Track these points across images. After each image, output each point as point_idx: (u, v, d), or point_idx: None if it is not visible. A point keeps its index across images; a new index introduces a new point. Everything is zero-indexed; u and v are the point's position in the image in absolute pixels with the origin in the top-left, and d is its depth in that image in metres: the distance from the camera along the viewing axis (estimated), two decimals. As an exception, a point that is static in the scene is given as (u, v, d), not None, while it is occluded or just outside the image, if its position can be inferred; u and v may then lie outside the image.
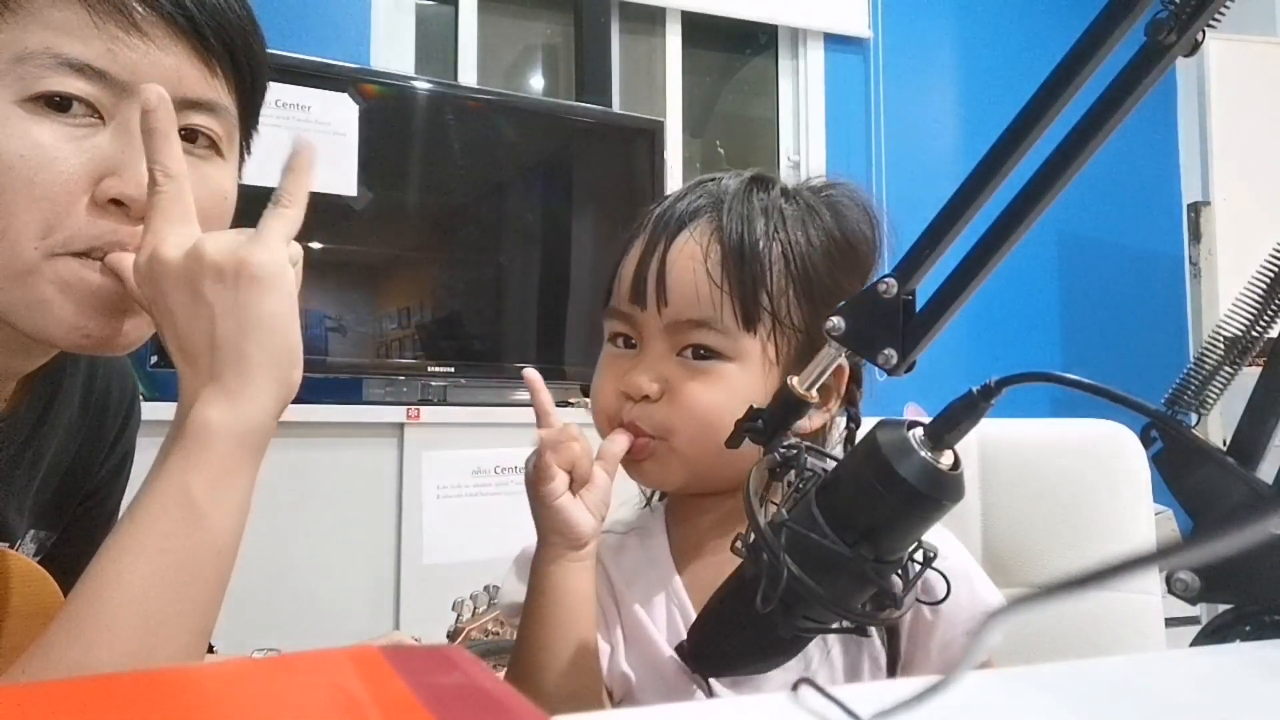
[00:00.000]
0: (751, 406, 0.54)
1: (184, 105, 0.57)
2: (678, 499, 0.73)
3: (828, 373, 0.51)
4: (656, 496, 0.76)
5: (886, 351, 0.46)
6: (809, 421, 0.68)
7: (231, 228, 0.59)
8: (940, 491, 0.43)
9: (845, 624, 0.49)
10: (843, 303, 0.48)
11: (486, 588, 1.04)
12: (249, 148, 0.68)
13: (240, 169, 0.66)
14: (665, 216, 0.68)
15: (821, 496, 0.46)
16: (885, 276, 0.47)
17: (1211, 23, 0.38)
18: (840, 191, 0.71)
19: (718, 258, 0.65)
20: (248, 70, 0.62)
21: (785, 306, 0.66)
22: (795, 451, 0.51)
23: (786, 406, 0.52)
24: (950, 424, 0.43)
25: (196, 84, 0.58)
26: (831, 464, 0.50)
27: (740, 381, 0.64)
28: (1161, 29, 0.38)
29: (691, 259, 0.65)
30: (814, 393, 0.51)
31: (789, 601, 0.46)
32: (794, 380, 0.51)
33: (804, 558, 0.45)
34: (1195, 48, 0.39)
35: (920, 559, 0.49)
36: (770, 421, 0.52)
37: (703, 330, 0.65)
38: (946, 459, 0.44)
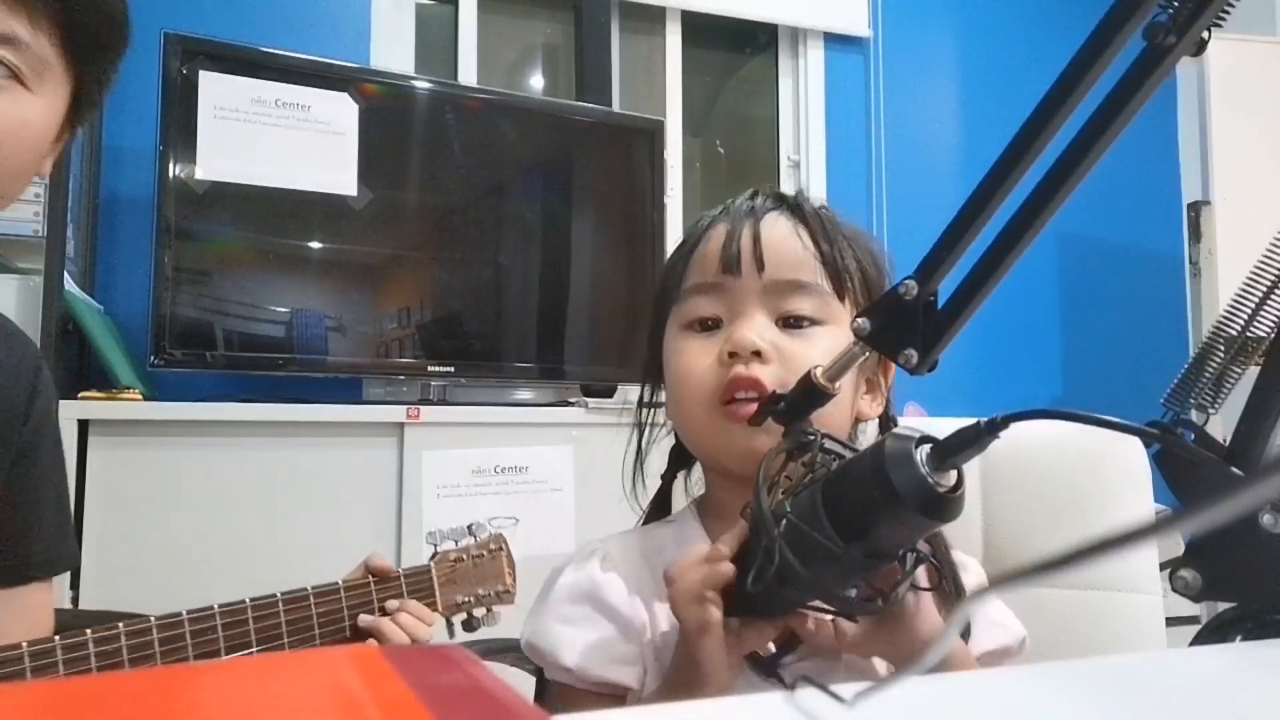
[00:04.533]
0: (774, 391, 0.56)
1: None
2: (710, 495, 0.73)
3: (850, 367, 0.53)
4: (689, 490, 0.77)
5: (908, 351, 0.48)
6: (870, 412, 0.71)
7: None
8: (929, 509, 0.44)
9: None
10: (869, 304, 0.51)
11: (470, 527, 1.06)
12: (95, 100, 0.76)
13: (80, 115, 0.75)
14: (737, 208, 0.70)
15: (828, 488, 0.48)
16: (906, 278, 0.48)
17: (1216, 22, 0.38)
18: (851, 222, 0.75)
19: (807, 233, 0.67)
20: (73, 16, 0.69)
21: (861, 282, 0.69)
22: (812, 438, 0.52)
23: (808, 394, 0.53)
24: (956, 448, 0.44)
25: None
26: (848, 454, 0.52)
27: (838, 343, 0.63)
28: (1159, 32, 0.39)
29: (786, 229, 0.67)
30: (838, 385, 0.53)
31: (782, 577, 0.48)
32: (817, 370, 0.53)
33: (799, 544, 0.48)
34: (1202, 47, 0.39)
35: (912, 561, 0.51)
36: (792, 406, 0.54)
37: (801, 295, 0.66)
38: (948, 479, 0.45)
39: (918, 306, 0.48)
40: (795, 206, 0.70)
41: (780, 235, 0.67)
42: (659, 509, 0.78)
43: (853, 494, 0.47)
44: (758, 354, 0.63)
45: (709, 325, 0.68)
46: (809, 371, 0.53)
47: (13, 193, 0.73)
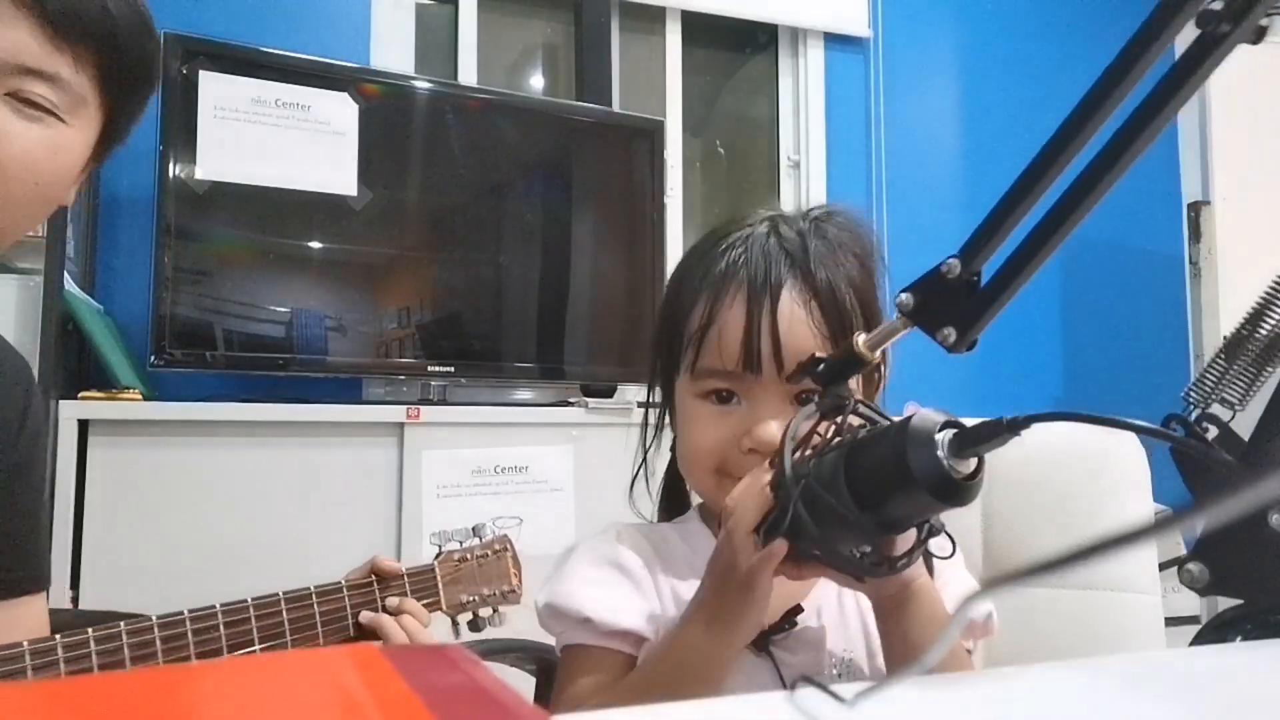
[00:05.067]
0: (813, 354, 0.58)
1: (21, 71, 0.67)
2: (713, 507, 0.75)
3: (891, 339, 0.53)
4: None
5: (946, 330, 0.48)
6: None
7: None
8: (940, 492, 0.45)
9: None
10: (915, 280, 0.50)
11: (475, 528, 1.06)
12: (122, 133, 0.79)
13: (106, 147, 0.78)
14: (754, 279, 0.69)
15: (851, 455, 0.50)
16: (950, 258, 0.48)
17: (1275, 9, 0.38)
18: (844, 217, 0.75)
19: (819, 312, 0.68)
20: (113, 58, 0.72)
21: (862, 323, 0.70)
22: (846, 401, 0.54)
23: (847, 360, 0.55)
24: (977, 438, 0.45)
25: (36, 56, 0.68)
26: (880, 420, 0.53)
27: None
28: (1212, 19, 0.38)
29: (802, 320, 0.68)
30: (878, 354, 0.54)
31: (796, 534, 0.51)
32: (860, 339, 0.54)
33: (816, 506, 0.50)
34: (1261, 34, 0.39)
35: (926, 532, 0.52)
36: (830, 369, 0.56)
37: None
38: (966, 465, 0.45)
39: (959, 285, 0.48)
40: (807, 272, 0.69)
41: (797, 329, 0.68)
42: (673, 500, 0.82)
43: (872, 466, 0.48)
44: None
45: (724, 397, 0.70)
46: (852, 338, 0.54)
47: (38, 218, 0.75)
